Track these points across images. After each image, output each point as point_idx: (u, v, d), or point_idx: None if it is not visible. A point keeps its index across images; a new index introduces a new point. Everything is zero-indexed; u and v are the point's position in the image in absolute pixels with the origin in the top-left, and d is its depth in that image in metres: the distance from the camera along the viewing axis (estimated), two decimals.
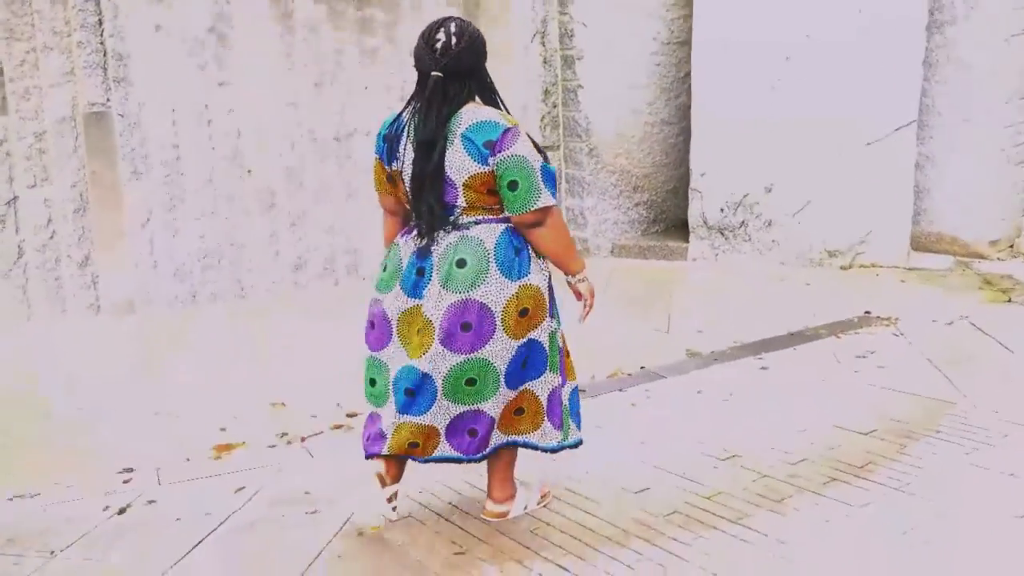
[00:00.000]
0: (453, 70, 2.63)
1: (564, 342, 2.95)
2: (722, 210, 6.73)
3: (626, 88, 6.83)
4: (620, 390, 4.29)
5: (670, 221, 7.22)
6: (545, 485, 3.19)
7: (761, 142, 6.57)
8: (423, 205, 2.70)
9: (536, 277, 2.74)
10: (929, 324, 5.19)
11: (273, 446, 3.81)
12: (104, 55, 5.33)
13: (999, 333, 4.91)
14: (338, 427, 3.98)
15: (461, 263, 2.68)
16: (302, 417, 4.10)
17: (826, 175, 6.49)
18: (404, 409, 2.78)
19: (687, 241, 6.85)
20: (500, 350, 2.72)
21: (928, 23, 6.68)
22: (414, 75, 2.75)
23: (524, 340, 2.74)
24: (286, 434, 3.92)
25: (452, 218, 2.71)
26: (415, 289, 2.74)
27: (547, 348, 2.81)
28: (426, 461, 2.88)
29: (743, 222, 6.69)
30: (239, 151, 5.82)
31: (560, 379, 2.88)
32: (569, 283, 2.87)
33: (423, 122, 2.64)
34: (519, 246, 2.72)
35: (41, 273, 5.37)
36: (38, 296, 5.37)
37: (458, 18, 2.74)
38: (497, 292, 2.68)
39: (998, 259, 6.78)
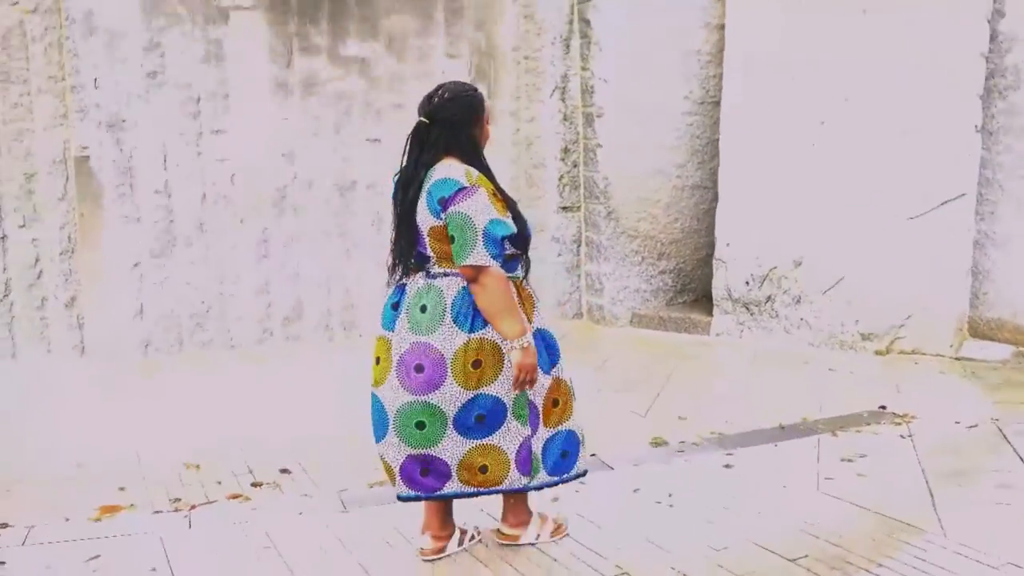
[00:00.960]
0: (436, 117, 2.85)
1: (552, 392, 2.97)
2: (747, 283, 6.21)
3: (652, 149, 6.44)
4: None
5: (699, 292, 6.74)
6: (560, 518, 3.25)
7: (791, 211, 6.05)
8: (400, 243, 2.92)
9: (493, 332, 2.80)
10: (949, 426, 4.54)
11: (159, 511, 3.59)
12: (97, 101, 5.37)
13: None
14: (235, 497, 3.74)
15: (423, 308, 2.84)
16: (210, 481, 3.89)
17: (862, 250, 5.90)
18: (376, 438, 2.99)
19: (712, 315, 6.36)
20: (449, 397, 2.82)
21: (989, 87, 6.05)
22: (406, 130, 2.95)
23: (478, 392, 2.82)
24: (179, 499, 3.70)
25: (427, 266, 2.88)
26: (390, 323, 2.93)
27: (508, 404, 2.86)
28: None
29: (770, 297, 6.15)
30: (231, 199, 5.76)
31: (530, 430, 2.92)
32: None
33: (404, 163, 2.91)
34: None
35: (27, 312, 5.40)
36: (23, 335, 5.40)
37: (463, 83, 3.01)
38: (448, 340, 2.80)
39: None
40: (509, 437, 2.89)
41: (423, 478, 2.91)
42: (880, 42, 5.77)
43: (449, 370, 2.80)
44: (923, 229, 5.81)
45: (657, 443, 4.37)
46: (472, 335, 2.79)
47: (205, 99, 5.64)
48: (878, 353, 5.89)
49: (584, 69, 6.40)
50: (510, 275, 2.85)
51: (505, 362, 2.81)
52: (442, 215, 2.76)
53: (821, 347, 6.01)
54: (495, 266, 2.75)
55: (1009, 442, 4.27)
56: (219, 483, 3.87)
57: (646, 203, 6.49)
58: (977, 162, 6.02)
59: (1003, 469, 3.95)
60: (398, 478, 2.94)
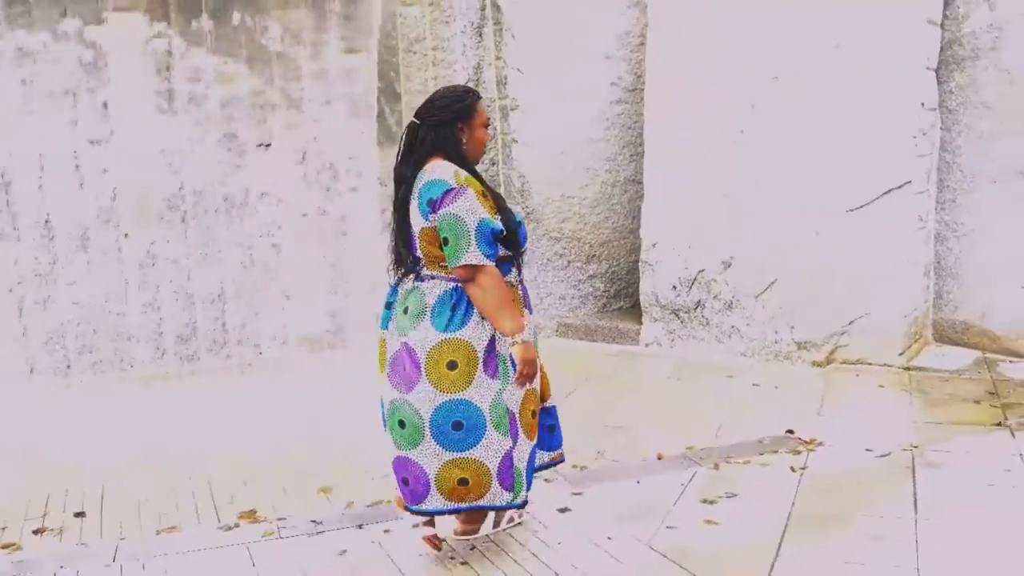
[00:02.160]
0: (425, 119, 2.92)
1: (530, 403, 3.00)
2: (675, 287, 5.64)
3: (577, 142, 5.90)
4: (359, 526, 3.43)
5: (635, 298, 6.17)
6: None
7: (720, 206, 5.44)
8: (395, 243, 2.99)
9: (470, 333, 2.85)
10: (856, 455, 3.95)
11: None
12: None
13: (933, 479, 3.62)
14: (6, 547, 3.38)
15: (406, 310, 2.92)
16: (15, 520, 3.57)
17: (797, 248, 5.27)
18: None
19: (642, 323, 5.79)
20: (424, 398, 2.85)
21: (946, 58, 5.35)
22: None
23: (452, 396, 2.84)
24: None
25: (418, 268, 2.94)
26: (384, 322, 3.04)
27: (486, 411, 2.87)
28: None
29: (699, 302, 5.56)
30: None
31: (511, 441, 2.93)
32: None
33: (396, 161, 2.97)
34: (457, 303, 2.86)
35: None
36: None
37: (458, 86, 3.07)
38: (423, 338, 2.85)
39: None
40: (490, 451, 2.90)
41: (404, 487, 2.96)
42: (815, 13, 5.13)
43: (423, 370, 2.85)
44: (865, 222, 5.15)
45: None
46: (447, 335, 2.83)
47: (83, 108, 5.32)
48: (816, 364, 5.26)
49: (498, 59, 5.89)
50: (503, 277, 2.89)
51: (478, 367, 2.84)
52: (431, 217, 2.80)
53: (754, 357, 5.41)
54: (490, 264, 2.79)
55: (914, 476, 3.67)
56: (3, 529, 3.54)
57: (571, 201, 5.96)
58: (929, 144, 5.33)
59: (887, 515, 3.35)
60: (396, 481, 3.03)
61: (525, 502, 3.06)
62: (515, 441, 2.94)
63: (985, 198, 5.34)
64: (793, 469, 3.82)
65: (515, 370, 2.89)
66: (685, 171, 5.54)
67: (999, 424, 4.28)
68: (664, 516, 3.40)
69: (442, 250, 2.82)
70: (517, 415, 2.95)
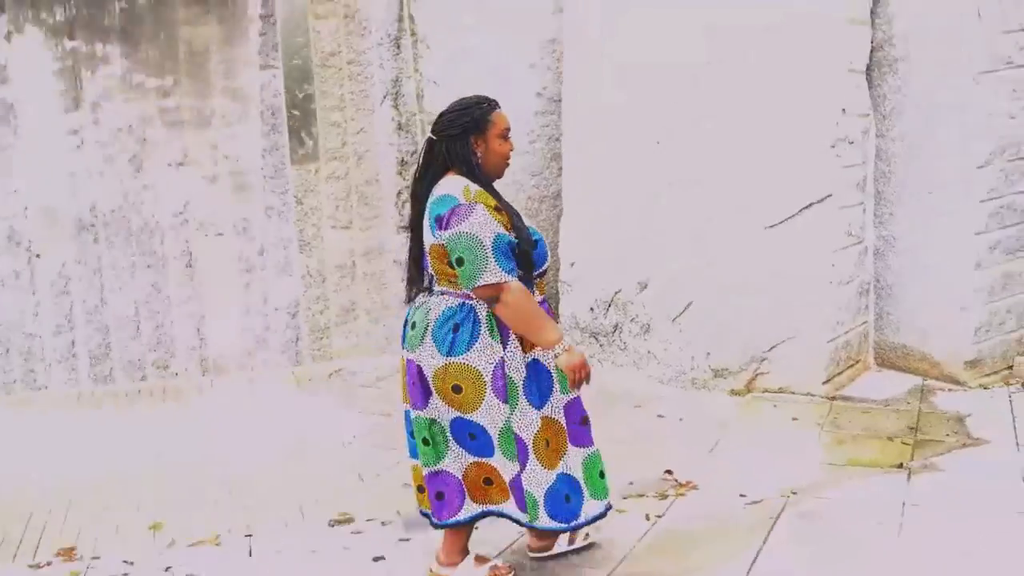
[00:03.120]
0: (439, 133, 2.83)
1: (546, 429, 2.89)
2: (592, 309, 5.35)
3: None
4: (166, 569, 3.27)
5: None
6: (504, 569, 3.08)
7: (637, 224, 5.13)
8: (408, 262, 2.97)
9: (475, 357, 2.77)
10: (727, 501, 3.65)
11: None
12: None
13: (791, 533, 3.31)
14: None
15: (413, 325, 2.86)
16: None
17: (714, 268, 4.94)
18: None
19: None
20: (440, 409, 2.85)
21: (878, 59, 4.96)
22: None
23: (462, 415, 2.82)
24: None
25: (431, 285, 2.88)
26: (403, 339, 2.95)
27: (494, 436, 2.84)
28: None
29: (617, 325, 5.26)
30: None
31: (519, 467, 2.85)
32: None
33: (413, 179, 2.95)
34: (460, 323, 2.77)
35: None
36: None
37: (471, 97, 2.89)
38: (428, 360, 2.80)
39: (981, 387, 4.84)
40: (502, 466, 2.88)
41: (438, 502, 2.94)
42: (730, 17, 4.78)
43: (433, 389, 2.82)
44: (785, 239, 4.80)
45: (341, 519, 3.67)
46: (450, 359, 2.77)
47: None
48: (734, 393, 4.92)
49: (416, 71, 5.68)
50: None
51: (487, 390, 2.78)
52: (438, 234, 2.74)
53: (671, 384, 5.09)
54: (512, 280, 2.70)
55: (770, 531, 3.35)
56: None
57: None
58: (860, 153, 4.95)
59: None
60: (429, 499, 2.99)
61: (551, 529, 2.95)
62: (523, 467, 2.86)
63: (922, 211, 4.93)
64: (648, 517, 3.53)
65: (535, 390, 2.85)
66: (602, 187, 5.25)
67: (900, 466, 3.91)
68: (485, 567, 3.16)
69: (453, 268, 2.75)
70: (529, 442, 2.85)
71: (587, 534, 3.27)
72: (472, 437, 2.86)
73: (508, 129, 2.88)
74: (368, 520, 3.65)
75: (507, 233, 2.73)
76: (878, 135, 5.07)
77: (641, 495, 3.75)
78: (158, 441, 4.68)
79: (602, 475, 3.08)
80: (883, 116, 5.03)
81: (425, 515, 3.08)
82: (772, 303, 4.84)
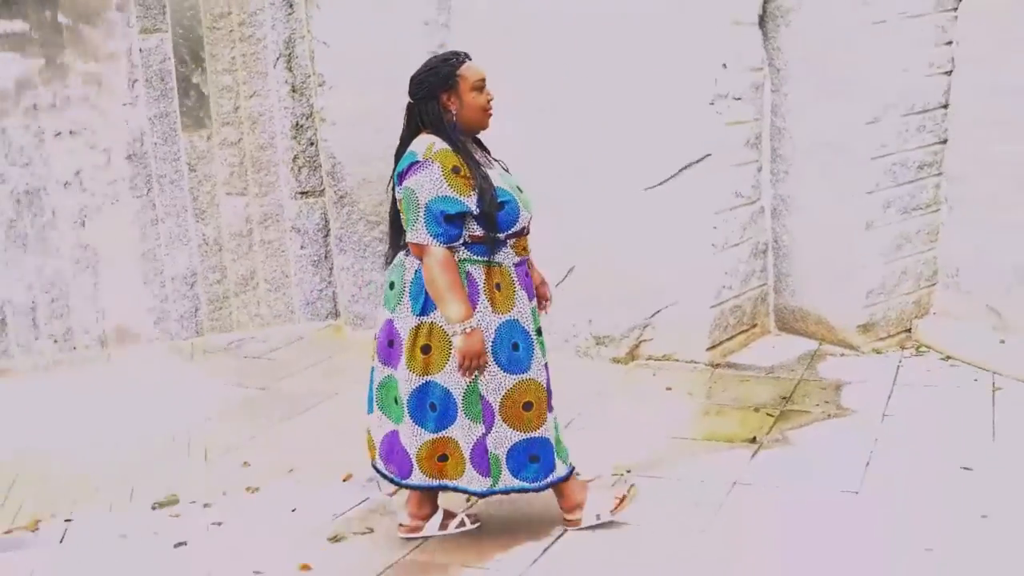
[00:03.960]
0: (413, 95, 2.86)
1: (524, 394, 2.87)
2: None
3: (394, 119, 5.42)
4: None
5: None
6: (471, 520, 3.15)
7: (532, 188, 4.95)
8: (389, 220, 3.00)
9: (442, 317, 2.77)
10: None
11: None
12: None
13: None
14: None
15: (391, 285, 2.89)
16: None
17: (594, 232, 4.76)
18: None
19: None
20: (403, 378, 2.85)
21: (771, 11, 4.71)
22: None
23: (425, 379, 2.82)
24: None
25: (404, 240, 2.86)
26: (384, 299, 2.95)
27: (459, 397, 2.83)
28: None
29: None
30: None
31: (483, 428, 2.86)
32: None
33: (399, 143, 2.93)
34: None
35: None
36: None
37: (440, 55, 2.91)
38: (403, 320, 2.83)
39: (875, 352, 4.65)
40: (463, 433, 2.88)
41: (391, 458, 2.97)
42: None
43: (404, 351, 2.83)
44: (664, 202, 4.61)
45: (165, 501, 3.60)
46: (422, 318, 2.79)
47: None
48: (616, 361, 4.77)
49: (308, 32, 5.49)
50: (479, 258, 2.80)
51: (453, 352, 2.76)
52: (398, 189, 2.80)
53: (557, 352, 4.92)
54: (434, 244, 2.72)
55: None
56: None
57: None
58: (754, 109, 4.73)
59: (499, 567, 2.95)
60: (378, 451, 3.02)
61: (511, 489, 2.94)
62: (489, 428, 2.86)
63: (815, 169, 4.71)
64: (468, 499, 3.42)
65: (508, 353, 2.83)
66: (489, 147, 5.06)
67: (753, 440, 3.76)
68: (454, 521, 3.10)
69: None
70: (496, 404, 2.84)
71: (463, 521, 3.16)
72: (433, 408, 2.84)
73: (482, 80, 2.86)
74: (192, 503, 3.58)
75: (455, 197, 2.70)
76: (773, 90, 4.83)
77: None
78: (21, 421, 4.64)
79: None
80: (777, 70, 4.79)
81: (381, 473, 3.05)
82: (654, 268, 4.66)
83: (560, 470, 3.01)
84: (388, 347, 2.88)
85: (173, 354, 5.50)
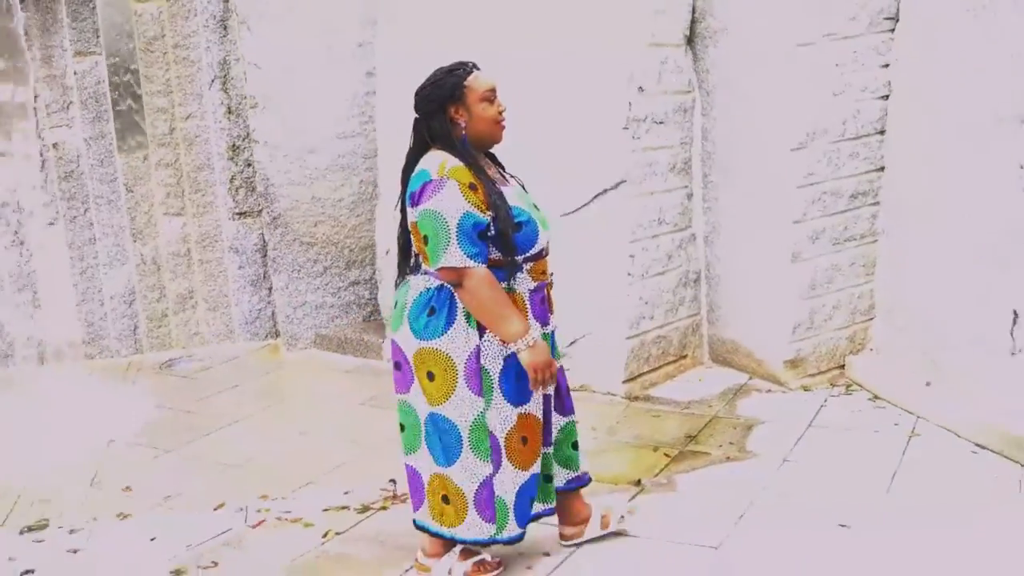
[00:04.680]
0: (419, 110, 2.68)
1: (522, 428, 2.68)
2: None
3: (329, 139, 5.39)
4: None
5: None
6: (492, 564, 2.87)
7: None
8: (399, 239, 2.79)
9: (448, 344, 2.60)
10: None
11: None
12: None
13: None
14: None
15: (395, 305, 2.73)
16: None
17: None
18: None
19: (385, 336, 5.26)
20: (419, 402, 2.69)
21: (700, 31, 4.53)
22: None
23: (432, 409, 2.65)
24: None
25: (416, 264, 2.72)
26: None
27: (464, 431, 2.64)
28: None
29: None
30: None
31: (491, 468, 2.66)
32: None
33: (405, 161, 2.75)
34: (437, 307, 2.60)
35: None
36: None
37: (443, 67, 2.70)
38: (406, 343, 2.66)
39: (803, 388, 4.42)
40: (466, 473, 2.67)
41: (411, 489, 2.84)
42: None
43: (414, 373, 2.67)
44: (580, 229, 4.44)
45: (34, 525, 3.53)
46: (423, 343, 2.61)
47: None
48: None
49: (243, 54, 5.44)
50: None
51: (458, 381, 2.60)
52: (411, 211, 2.62)
53: None
54: (474, 265, 2.52)
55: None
56: None
57: (324, 203, 5.46)
58: (681, 132, 4.53)
59: None
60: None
61: (515, 539, 2.76)
62: (497, 468, 2.66)
63: (742, 196, 4.50)
64: (327, 534, 3.29)
65: (513, 384, 2.64)
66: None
67: (637, 483, 3.57)
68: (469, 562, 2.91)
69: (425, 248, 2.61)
70: (501, 440, 2.65)
71: (622, 516, 3.07)
72: (440, 440, 2.68)
73: (492, 90, 2.67)
74: (59, 528, 3.51)
75: (479, 213, 2.52)
76: (703, 113, 4.64)
77: (344, 507, 3.51)
78: None
79: (575, 447, 2.96)
80: (707, 92, 4.60)
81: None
82: (570, 296, 4.46)
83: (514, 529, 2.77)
84: (397, 370, 2.73)
85: (108, 372, 5.47)
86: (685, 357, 4.78)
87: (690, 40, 4.59)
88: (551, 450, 2.87)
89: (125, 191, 5.53)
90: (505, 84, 4.47)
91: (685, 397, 4.45)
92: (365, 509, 3.48)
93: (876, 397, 4.26)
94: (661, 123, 4.46)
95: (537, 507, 2.87)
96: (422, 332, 2.60)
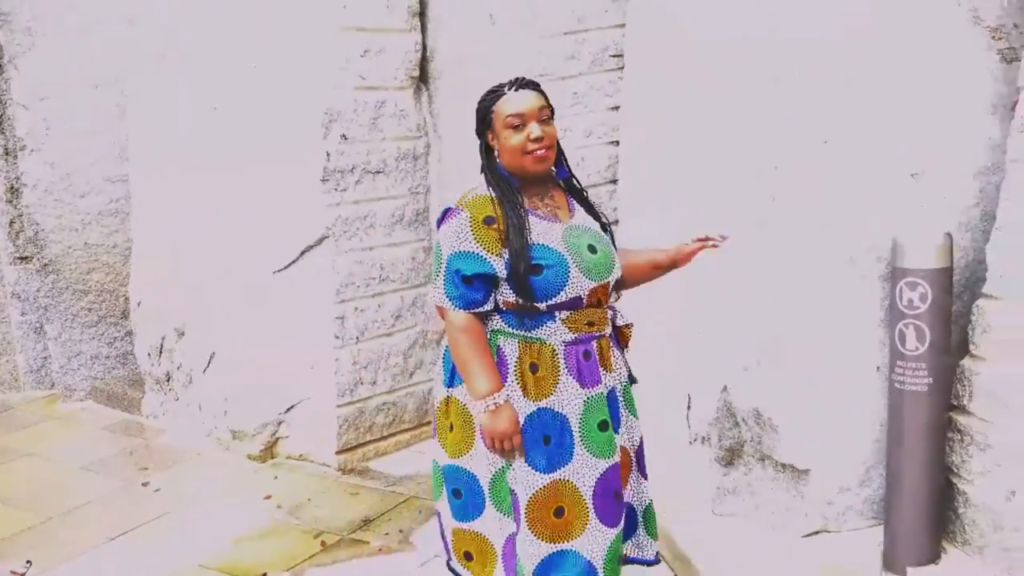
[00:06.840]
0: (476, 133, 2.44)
1: (557, 498, 2.30)
2: (149, 355, 4.83)
3: (101, 183, 5.19)
4: None
5: None
6: None
7: (177, 263, 4.58)
8: None
9: (464, 392, 2.35)
10: None
11: None
12: None
13: None
14: None
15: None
16: None
17: (234, 315, 4.34)
18: None
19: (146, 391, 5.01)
20: (439, 454, 2.47)
21: (431, 72, 4.22)
22: None
23: (451, 462, 2.40)
24: None
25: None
26: None
27: (485, 485, 2.36)
28: None
29: (168, 374, 4.73)
30: None
31: (514, 526, 2.35)
32: None
33: None
34: None
35: None
36: None
37: (493, 87, 2.42)
38: (438, 391, 2.48)
39: None
40: (491, 525, 2.40)
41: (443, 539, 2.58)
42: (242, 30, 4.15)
43: (435, 423, 2.49)
44: (289, 288, 4.15)
45: None
46: (448, 391, 2.40)
47: None
48: (251, 458, 4.32)
49: (4, 93, 5.25)
50: (512, 331, 2.31)
51: (477, 434, 2.33)
52: None
53: (209, 440, 4.52)
54: (452, 310, 2.29)
55: None
56: None
57: (97, 250, 5.24)
58: (404, 183, 4.22)
59: None
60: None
61: None
62: (518, 526, 2.34)
63: None
64: None
65: (543, 445, 2.30)
66: (158, 226, 4.71)
67: (290, 569, 3.27)
68: None
69: None
70: (523, 501, 2.30)
71: None
72: (457, 495, 2.40)
73: (517, 115, 2.30)
74: None
75: (477, 254, 2.24)
76: (439, 160, 4.32)
77: None
78: None
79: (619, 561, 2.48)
80: (440, 137, 4.28)
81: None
82: (285, 359, 4.20)
83: None
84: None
85: None
86: (428, 424, 4.45)
87: (424, 80, 4.28)
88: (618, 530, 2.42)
89: None
90: (215, 136, 4.21)
91: (401, 471, 4.13)
92: None
93: None
94: (379, 172, 4.14)
95: None
96: (450, 380, 2.40)
